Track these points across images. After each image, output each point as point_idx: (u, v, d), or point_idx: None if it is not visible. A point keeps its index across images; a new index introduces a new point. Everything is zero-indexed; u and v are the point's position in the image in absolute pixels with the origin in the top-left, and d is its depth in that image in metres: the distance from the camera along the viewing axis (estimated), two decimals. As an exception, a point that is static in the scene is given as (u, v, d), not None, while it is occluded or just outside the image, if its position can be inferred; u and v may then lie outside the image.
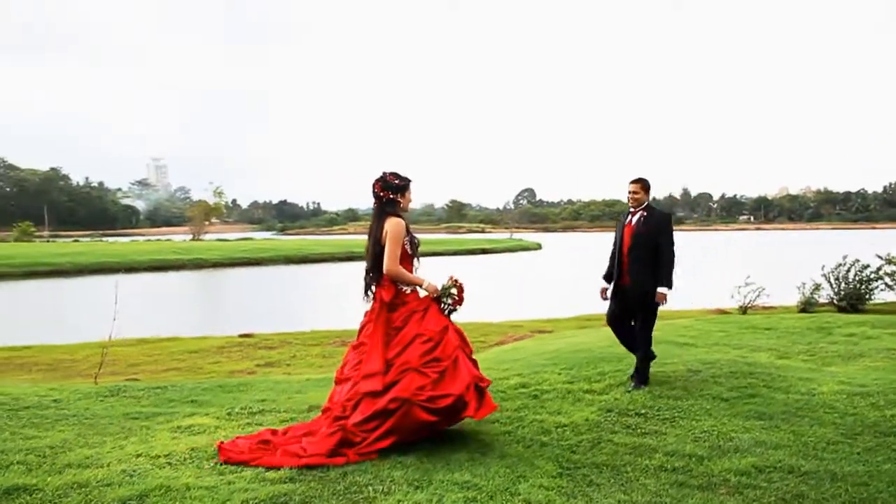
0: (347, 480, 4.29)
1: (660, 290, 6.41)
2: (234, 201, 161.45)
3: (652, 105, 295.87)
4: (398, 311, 5.19)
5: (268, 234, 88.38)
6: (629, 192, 6.65)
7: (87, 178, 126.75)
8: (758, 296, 16.02)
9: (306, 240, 69.81)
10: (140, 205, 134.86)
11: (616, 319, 6.78)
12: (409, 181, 5.47)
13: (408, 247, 5.32)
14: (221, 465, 4.60)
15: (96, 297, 28.77)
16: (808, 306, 15.81)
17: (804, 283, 16.34)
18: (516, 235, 76.53)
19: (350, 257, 44.98)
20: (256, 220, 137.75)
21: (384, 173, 5.40)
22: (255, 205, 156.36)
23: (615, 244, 6.72)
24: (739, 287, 16.13)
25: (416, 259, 5.41)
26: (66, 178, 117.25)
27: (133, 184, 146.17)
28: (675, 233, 6.64)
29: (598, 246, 63.40)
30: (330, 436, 4.79)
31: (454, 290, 5.28)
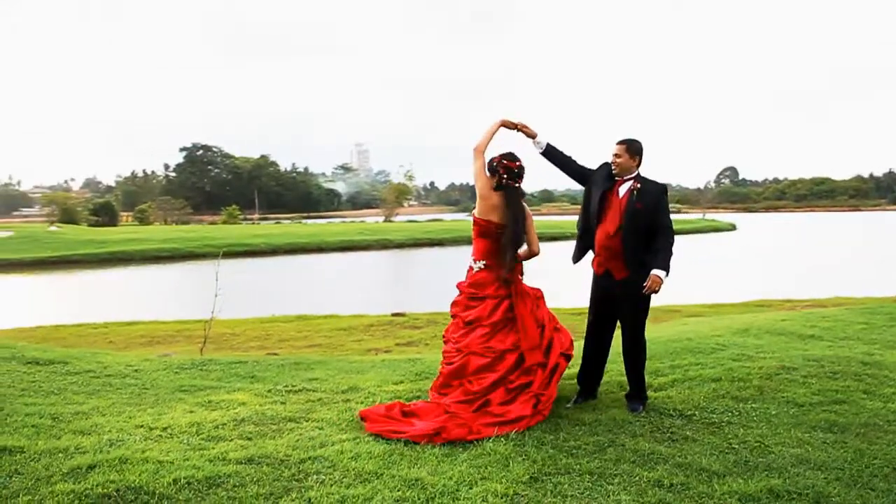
0: (300, 468, 4.10)
1: (656, 272, 5.07)
2: (431, 183, 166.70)
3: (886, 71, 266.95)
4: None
5: (462, 216, 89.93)
6: (612, 155, 5.35)
7: (293, 164, 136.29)
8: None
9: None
10: (342, 188, 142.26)
11: (598, 329, 5.53)
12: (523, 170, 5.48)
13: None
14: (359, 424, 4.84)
15: (276, 275, 30.83)
16: None
17: None
18: (710, 216, 72.15)
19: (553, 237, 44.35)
20: (453, 202, 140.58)
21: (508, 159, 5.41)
22: (451, 187, 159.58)
23: (589, 219, 5.41)
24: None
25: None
26: (274, 164, 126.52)
27: (336, 169, 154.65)
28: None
29: (801, 227, 58.72)
30: (526, 402, 4.98)
31: None
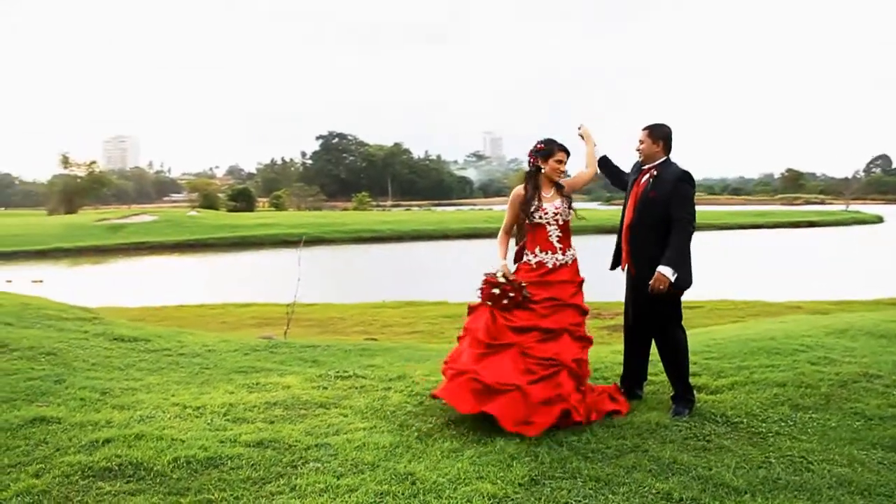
0: (303, 454, 4.14)
1: (661, 269, 4.64)
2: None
3: None
4: None
5: (594, 205, 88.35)
6: (637, 142, 5.03)
7: (426, 152, 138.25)
8: None
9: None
10: (474, 175, 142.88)
11: (632, 329, 5.18)
12: (556, 146, 5.11)
13: (522, 216, 5.06)
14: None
15: (396, 261, 31.40)
16: None
17: None
18: (854, 207, 67.03)
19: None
20: (586, 191, 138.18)
21: (538, 141, 5.18)
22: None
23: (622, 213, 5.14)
24: None
25: (547, 230, 5.01)
26: (407, 152, 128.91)
27: (468, 156, 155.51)
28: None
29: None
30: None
31: (483, 284, 5.00)
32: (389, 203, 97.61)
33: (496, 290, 4.86)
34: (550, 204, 5.02)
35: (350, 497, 3.51)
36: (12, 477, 3.73)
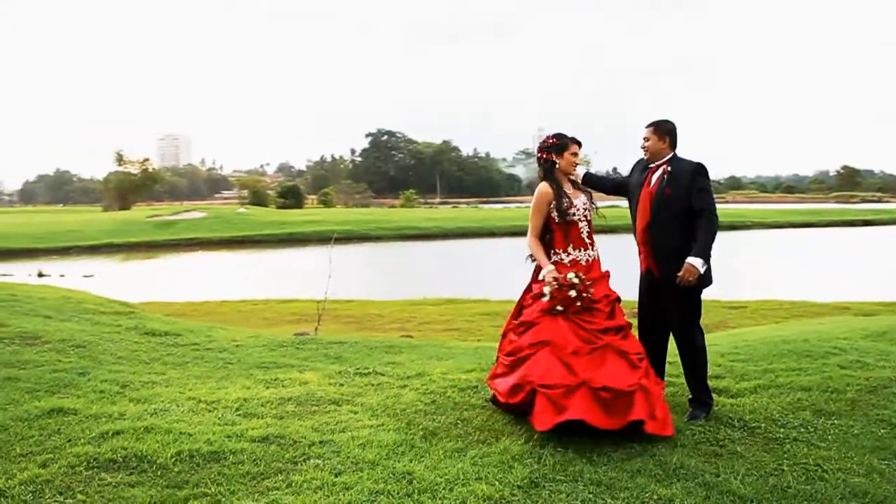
0: (306, 451, 4.15)
1: (690, 260, 4.51)
2: (614, 168, 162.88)
3: None
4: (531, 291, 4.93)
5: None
6: (642, 140, 4.89)
7: (475, 150, 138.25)
8: None
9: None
10: (522, 173, 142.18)
11: (646, 331, 4.98)
12: (568, 139, 4.98)
13: (555, 215, 4.83)
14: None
15: (439, 259, 31.41)
16: None
17: None
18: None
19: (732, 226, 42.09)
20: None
21: (546, 135, 5.03)
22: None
23: (631, 214, 4.98)
24: None
25: (579, 227, 4.86)
26: (456, 149, 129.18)
27: (517, 154, 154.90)
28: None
29: None
30: None
31: (553, 287, 4.62)
32: (438, 200, 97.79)
33: (573, 293, 4.58)
34: (578, 200, 4.89)
35: (344, 495, 3.50)
36: (21, 466, 3.82)
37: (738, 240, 34.22)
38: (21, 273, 22.53)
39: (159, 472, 3.75)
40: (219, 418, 4.66)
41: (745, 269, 21.47)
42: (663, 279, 4.74)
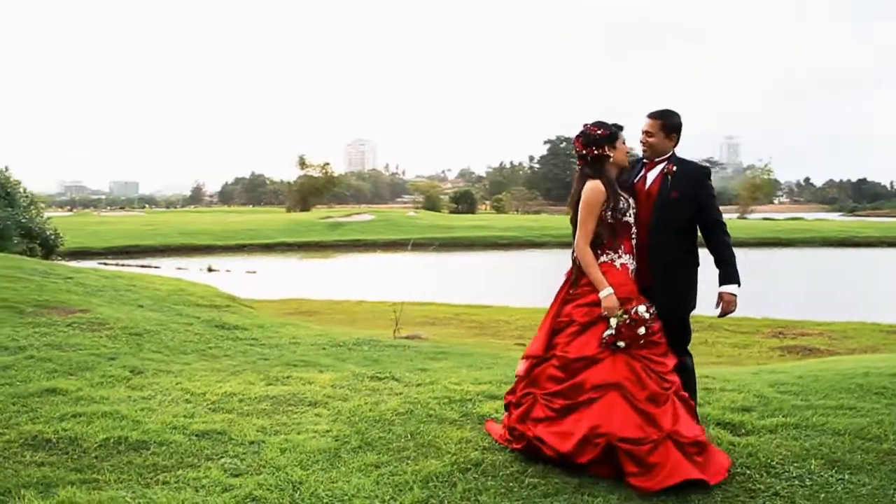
0: (236, 449, 4.20)
1: (726, 289, 4.06)
2: (806, 179, 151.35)
3: None
4: (571, 303, 4.24)
5: (834, 215, 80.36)
6: (642, 133, 4.25)
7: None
8: None
9: (863, 221, 60.69)
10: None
11: None
12: (618, 128, 4.34)
13: (608, 215, 4.18)
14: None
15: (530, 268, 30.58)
16: None
17: None
18: None
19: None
20: (829, 200, 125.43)
21: (585, 126, 4.32)
22: (829, 183, 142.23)
23: None
24: None
25: (632, 229, 4.25)
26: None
27: (702, 160, 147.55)
28: None
29: None
30: None
31: (621, 320, 3.96)
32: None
33: (642, 330, 3.97)
34: (629, 197, 4.29)
35: (218, 497, 3.47)
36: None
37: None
38: (194, 267, 24.67)
39: (76, 456, 3.94)
40: (184, 410, 4.81)
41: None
42: (658, 299, 4.12)
